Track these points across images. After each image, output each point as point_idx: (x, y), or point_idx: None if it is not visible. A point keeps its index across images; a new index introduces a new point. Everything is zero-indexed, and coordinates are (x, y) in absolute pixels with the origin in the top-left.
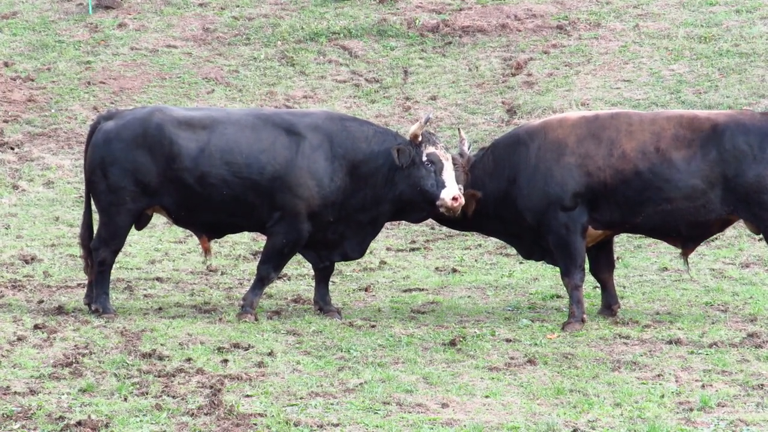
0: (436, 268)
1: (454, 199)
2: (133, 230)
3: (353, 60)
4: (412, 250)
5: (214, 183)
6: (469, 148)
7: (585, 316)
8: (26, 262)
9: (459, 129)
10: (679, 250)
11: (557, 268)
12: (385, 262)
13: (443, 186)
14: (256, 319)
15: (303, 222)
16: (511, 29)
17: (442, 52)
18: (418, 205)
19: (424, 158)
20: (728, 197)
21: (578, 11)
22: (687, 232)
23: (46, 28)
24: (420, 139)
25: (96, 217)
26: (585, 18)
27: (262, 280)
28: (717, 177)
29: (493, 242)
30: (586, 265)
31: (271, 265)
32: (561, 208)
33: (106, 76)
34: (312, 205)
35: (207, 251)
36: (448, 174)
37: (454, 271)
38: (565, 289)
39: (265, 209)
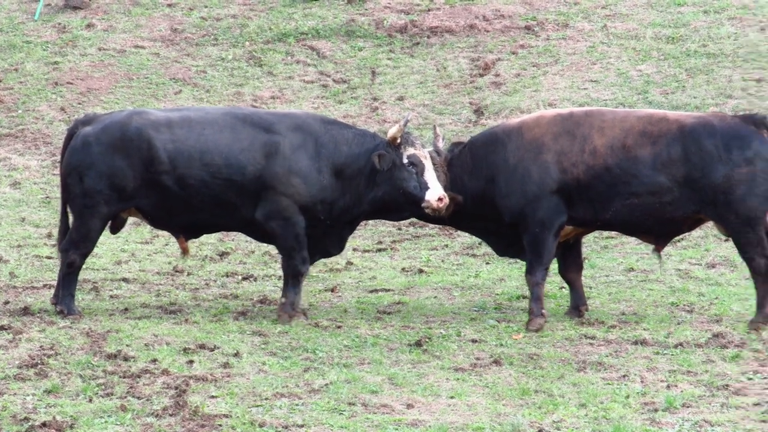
0: (403, 269)
1: (440, 199)
2: None
3: (321, 60)
4: (379, 250)
5: (193, 184)
6: (442, 145)
7: (545, 311)
8: None
9: (435, 126)
10: (652, 247)
11: (523, 269)
12: (351, 263)
13: (426, 187)
14: (306, 317)
15: (294, 215)
16: (479, 30)
17: (410, 53)
18: (402, 206)
19: (405, 160)
20: (694, 197)
21: (546, 12)
22: (656, 229)
23: (13, 29)
24: (399, 141)
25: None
26: (553, 18)
27: (295, 277)
28: (683, 176)
29: (459, 243)
30: (555, 266)
31: (295, 261)
32: (538, 206)
33: (73, 77)
34: (299, 202)
35: (185, 251)
36: (430, 174)
37: (421, 271)
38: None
39: (248, 209)
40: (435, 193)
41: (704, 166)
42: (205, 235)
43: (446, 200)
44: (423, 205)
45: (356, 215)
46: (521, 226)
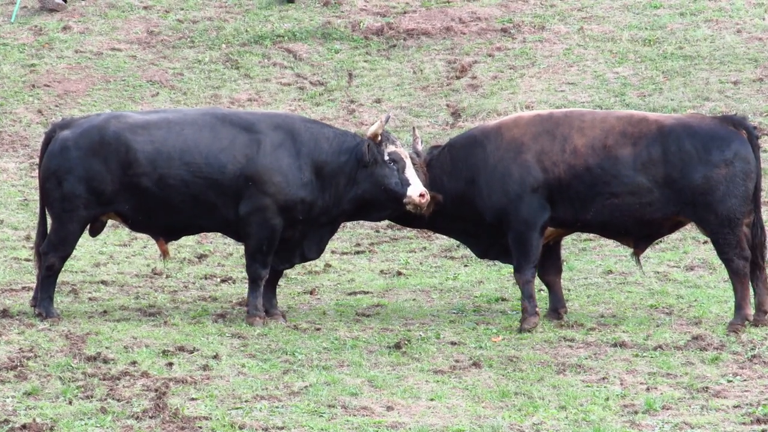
0: (381, 271)
1: (421, 195)
2: None
3: (298, 63)
4: (357, 253)
5: (173, 184)
6: (421, 147)
7: (538, 309)
8: None
9: (414, 128)
10: (631, 250)
11: (502, 271)
12: (330, 265)
13: (408, 183)
14: (265, 322)
15: (273, 217)
16: (455, 32)
17: (386, 55)
18: (382, 203)
19: (386, 157)
20: (674, 197)
21: (523, 14)
22: (636, 230)
23: None
24: (380, 138)
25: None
26: (530, 21)
27: (255, 281)
28: (662, 176)
29: (438, 245)
30: None
31: (257, 264)
32: (521, 205)
33: (50, 79)
34: (279, 201)
35: (165, 253)
36: (411, 171)
37: (399, 274)
38: (511, 290)
39: (228, 209)
40: (416, 189)
41: (683, 166)
42: (183, 238)
43: (428, 197)
44: (405, 201)
45: (336, 215)
46: (504, 225)
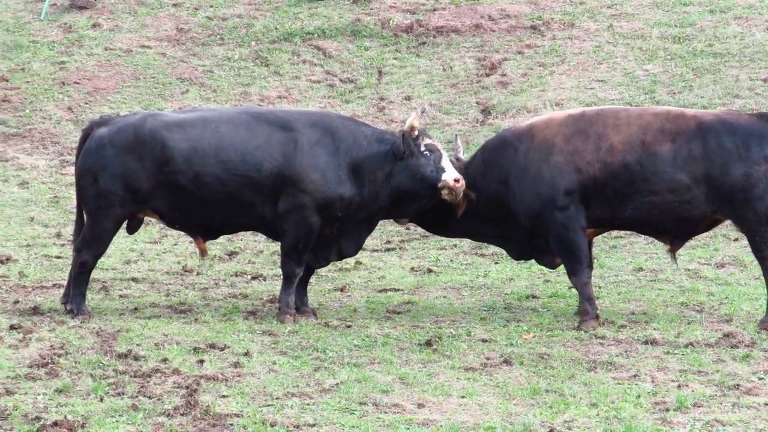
0: (412, 269)
1: (456, 180)
2: None
3: (327, 60)
4: (388, 250)
5: (208, 182)
6: (462, 155)
7: (599, 312)
8: (1, 262)
9: (456, 136)
10: (666, 247)
11: (533, 269)
12: (360, 263)
13: (443, 170)
14: (296, 319)
15: (311, 216)
16: (485, 29)
17: (416, 53)
18: (418, 193)
19: (423, 148)
20: (713, 195)
21: (552, 11)
22: (674, 228)
23: (20, 29)
24: (417, 132)
25: None
26: (559, 18)
27: (289, 278)
28: (702, 174)
29: (468, 243)
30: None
31: (292, 261)
32: (556, 208)
33: (80, 77)
34: (317, 199)
35: (203, 252)
36: (447, 162)
37: (430, 271)
38: (542, 287)
39: (265, 207)
40: (451, 174)
41: (723, 163)
42: None
43: (462, 182)
44: (440, 185)
45: (374, 212)
46: (543, 229)
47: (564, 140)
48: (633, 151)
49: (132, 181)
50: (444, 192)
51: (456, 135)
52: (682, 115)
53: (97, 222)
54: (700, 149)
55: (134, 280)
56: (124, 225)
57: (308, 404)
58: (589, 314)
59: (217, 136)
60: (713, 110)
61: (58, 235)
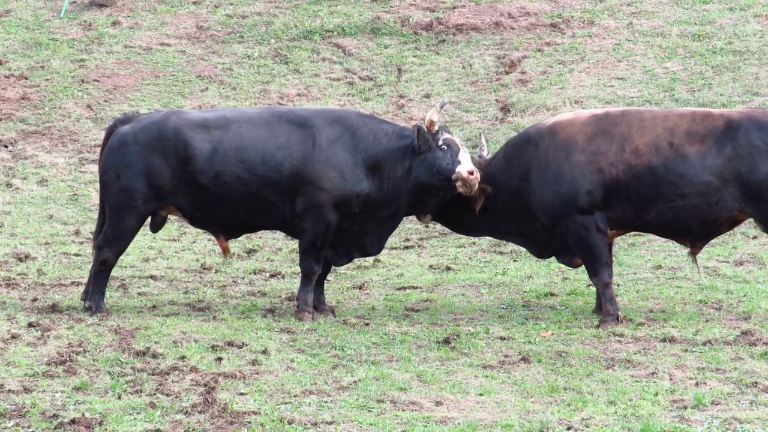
0: (430, 266)
1: (470, 172)
2: None
3: (347, 58)
4: (406, 248)
5: (229, 181)
6: (486, 153)
7: (620, 312)
8: (20, 260)
9: (480, 134)
10: (688, 249)
11: (551, 266)
12: (379, 260)
13: (459, 163)
14: (314, 317)
15: (329, 213)
16: (504, 27)
17: (435, 50)
18: (434, 186)
19: (441, 143)
20: (738, 193)
21: (572, 9)
22: (698, 230)
23: (39, 27)
24: (436, 127)
25: None
26: (579, 16)
27: (307, 276)
28: (731, 173)
29: (487, 240)
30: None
31: (310, 259)
32: (575, 208)
33: (99, 74)
34: (335, 196)
35: (225, 251)
36: (465, 156)
37: (448, 269)
38: (560, 285)
39: (286, 206)
40: (466, 167)
41: (751, 161)
42: None
43: (477, 175)
44: (453, 177)
45: (396, 209)
46: (562, 229)
47: (587, 139)
48: (659, 153)
49: (155, 178)
50: (458, 184)
51: (480, 133)
52: (709, 116)
53: (119, 219)
54: (730, 148)
55: (153, 277)
56: (148, 222)
57: (326, 402)
58: (610, 314)
59: (238, 136)
60: (737, 108)
61: (77, 233)
